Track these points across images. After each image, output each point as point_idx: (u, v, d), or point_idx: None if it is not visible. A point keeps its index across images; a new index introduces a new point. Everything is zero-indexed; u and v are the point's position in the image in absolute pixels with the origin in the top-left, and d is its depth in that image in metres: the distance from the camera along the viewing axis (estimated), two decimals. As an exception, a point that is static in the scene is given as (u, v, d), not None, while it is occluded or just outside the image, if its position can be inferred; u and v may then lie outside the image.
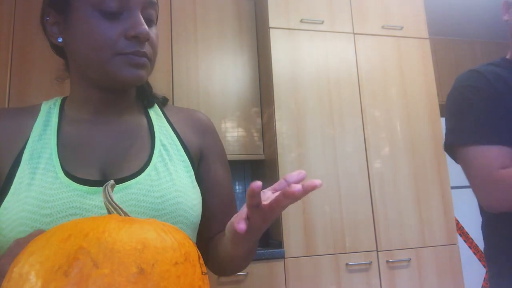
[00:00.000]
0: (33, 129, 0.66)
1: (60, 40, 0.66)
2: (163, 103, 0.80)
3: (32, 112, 0.69)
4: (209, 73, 2.39)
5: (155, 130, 0.72)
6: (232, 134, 2.31)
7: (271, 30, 2.27)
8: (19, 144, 0.64)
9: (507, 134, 0.93)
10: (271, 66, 2.23)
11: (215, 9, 2.47)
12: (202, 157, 0.77)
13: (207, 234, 0.76)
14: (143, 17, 0.64)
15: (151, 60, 0.67)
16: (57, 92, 0.82)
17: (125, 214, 0.44)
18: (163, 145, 0.70)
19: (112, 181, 0.45)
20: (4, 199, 0.60)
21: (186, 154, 0.72)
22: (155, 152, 0.68)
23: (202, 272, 0.40)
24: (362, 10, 2.43)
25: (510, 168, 0.89)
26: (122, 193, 0.61)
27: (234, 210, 0.80)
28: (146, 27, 0.63)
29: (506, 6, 1.08)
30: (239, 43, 2.48)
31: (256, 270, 1.95)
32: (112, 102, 0.70)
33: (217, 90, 2.37)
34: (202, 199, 0.74)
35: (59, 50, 0.70)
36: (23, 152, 0.63)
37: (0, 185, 0.61)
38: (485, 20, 3.29)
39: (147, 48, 0.65)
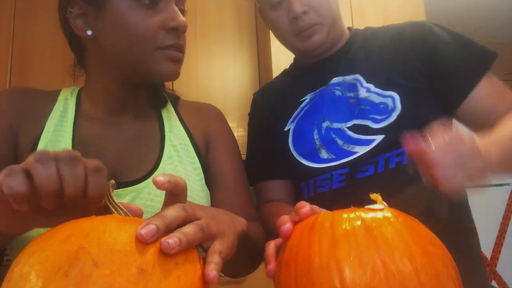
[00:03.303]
0: (50, 118, 0.65)
1: (89, 33, 0.62)
2: (174, 102, 0.77)
3: (52, 97, 0.68)
4: (209, 73, 2.39)
5: (165, 129, 0.70)
6: (232, 134, 2.29)
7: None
8: (37, 127, 0.63)
9: (273, 167, 0.88)
10: (271, 66, 2.23)
11: (215, 9, 2.47)
12: (208, 147, 0.74)
13: None
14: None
15: (184, 53, 0.66)
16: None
17: (126, 214, 0.44)
18: (173, 145, 0.69)
19: (112, 181, 0.45)
20: None
21: (197, 155, 0.70)
22: (164, 153, 0.67)
23: (202, 272, 0.40)
24: (362, 10, 2.43)
25: (272, 202, 0.86)
26: (130, 197, 0.61)
27: (244, 203, 0.75)
28: (183, 18, 0.62)
29: None
30: (239, 43, 2.48)
31: (256, 270, 1.94)
32: (128, 100, 0.68)
33: (217, 90, 2.37)
34: (210, 193, 0.71)
35: (75, 44, 0.67)
36: (39, 140, 0.62)
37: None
38: (485, 20, 3.29)
39: (182, 41, 0.64)
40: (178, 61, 0.64)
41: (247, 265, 0.72)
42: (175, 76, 0.64)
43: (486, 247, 2.70)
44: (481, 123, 0.77)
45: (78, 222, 0.37)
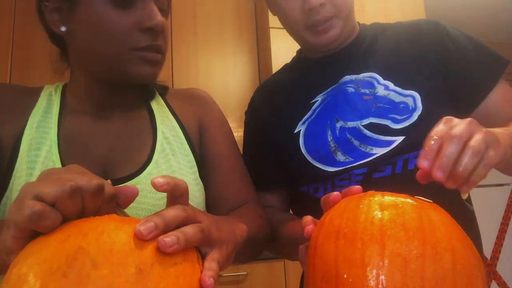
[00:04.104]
0: (32, 114, 0.62)
1: (63, 29, 0.60)
2: (162, 93, 0.75)
3: (33, 94, 0.66)
4: (209, 73, 2.39)
5: (157, 121, 0.68)
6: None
7: (271, 30, 2.27)
8: (19, 124, 0.61)
9: (274, 175, 0.84)
10: (271, 66, 2.23)
11: (215, 9, 2.47)
12: (202, 133, 0.72)
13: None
14: (156, 6, 0.59)
15: (165, 53, 0.62)
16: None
17: (124, 214, 0.44)
18: (165, 138, 0.67)
19: (108, 181, 0.45)
20: (4, 194, 0.58)
21: (190, 148, 0.69)
22: (157, 147, 0.65)
23: (201, 272, 0.40)
24: (362, 10, 2.42)
25: (274, 210, 0.82)
26: None
27: (243, 185, 0.73)
28: (161, 17, 0.58)
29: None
30: (239, 43, 2.48)
31: (256, 270, 1.94)
32: (114, 96, 0.66)
33: (217, 90, 2.37)
34: (206, 178, 0.70)
35: (56, 38, 0.65)
36: (21, 138, 0.60)
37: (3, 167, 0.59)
38: (485, 20, 3.29)
39: (162, 41, 0.60)
40: (155, 63, 0.60)
41: (247, 258, 0.72)
42: (151, 78, 0.61)
43: (486, 247, 2.70)
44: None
45: (76, 223, 0.37)
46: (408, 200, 0.43)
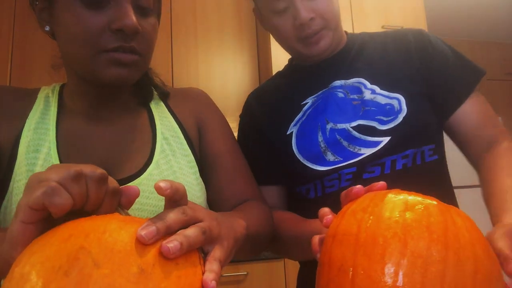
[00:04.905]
0: (30, 116, 0.62)
1: (47, 29, 0.60)
2: (162, 98, 0.74)
3: (30, 95, 0.65)
4: (209, 73, 2.39)
5: (156, 122, 0.68)
6: (232, 134, 2.30)
7: (271, 30, 2.27)
8: (16, 126, 0.61)
9: (271, 172, 0.85)
10: (271, 66, 2.23)
11: (215, 9, 2.47)
12: (201, 132, 0.72)
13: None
14: (135, 5, 0.58)
15: (144, 55, 0.60)
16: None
17: (126, 214, 0.44)
18: (165, 138, 0.67)
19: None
20: (4, 197, 0.58)
21: (190, 148, 0.68)
22: (157, 147, 0.65)
23: (203, 273, 0.40)
24: (362, 10, 2.43)
25: (274, 209, 0.82)
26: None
27: (245, 183, 0.73)
28: (133, 18, 0.55)
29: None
30: (239, 43, 2.48)
31: (256, 270, 1.94)
32: (107, 96, 0.65)
33: (217, 90, 2.37)
34: (207, 177, 0.70)
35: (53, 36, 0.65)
36: (19, 140, 0.60)
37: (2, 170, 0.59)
38: (485, 20, 3.30)
39: (137, 42, 0.58)
40: (128, 65, 0.58)
41: (248, 255, 0.71)
42: (123, 80, 0.59)
43: (486, 247, 2.70)
44: (467, 139, 0.80)
45: (78, 222, 0.37)
46: (434, 202, 0.43)
